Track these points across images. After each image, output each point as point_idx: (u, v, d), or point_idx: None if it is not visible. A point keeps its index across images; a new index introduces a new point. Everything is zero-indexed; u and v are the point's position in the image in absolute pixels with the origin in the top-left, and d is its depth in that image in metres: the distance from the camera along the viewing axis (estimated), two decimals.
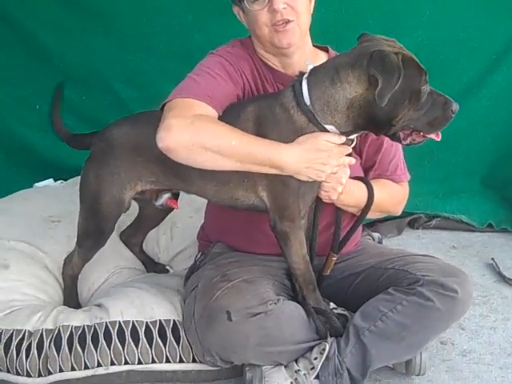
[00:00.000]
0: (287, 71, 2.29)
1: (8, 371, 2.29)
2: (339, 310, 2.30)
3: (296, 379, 2.15)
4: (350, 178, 2.22)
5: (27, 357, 2.26)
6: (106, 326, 2.29)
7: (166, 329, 2.30)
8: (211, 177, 2.13)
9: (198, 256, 2.52)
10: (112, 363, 2.26)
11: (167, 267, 2.84)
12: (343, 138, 2.04)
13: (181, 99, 2.06)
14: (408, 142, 2.05)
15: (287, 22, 2.15)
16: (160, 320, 2.31)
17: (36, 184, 3.55)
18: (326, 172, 2.06)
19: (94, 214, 2.34)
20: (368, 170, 2.41)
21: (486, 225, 3.54)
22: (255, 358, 2.15)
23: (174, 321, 2.31)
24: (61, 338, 2.27)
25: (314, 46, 2.35)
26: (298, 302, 2.23)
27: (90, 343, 2.27)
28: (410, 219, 3.58)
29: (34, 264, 2.65)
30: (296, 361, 2.19)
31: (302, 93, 2.02)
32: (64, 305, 2.54)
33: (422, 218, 3.58)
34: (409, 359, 2.27)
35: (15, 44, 3.49)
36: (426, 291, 2.11)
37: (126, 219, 2.69)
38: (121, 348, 2.27)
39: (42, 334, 2.28)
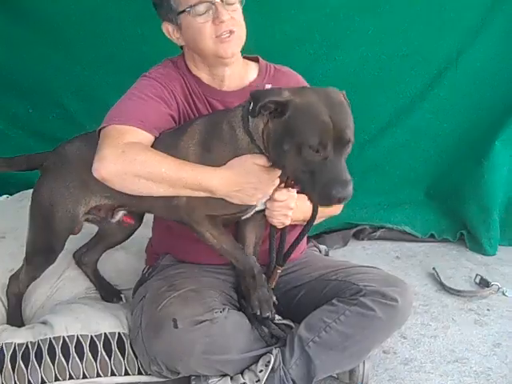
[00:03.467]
0: (221, 86, 2.32)
1: None
2: (285, 321, 2.33)
3: None
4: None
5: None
6: (50, 342, 2.27)
7: (111, 341, 2.29)
8: None
9: (146, 269, 2.53)
10: (56, 379, 2.24)
11: (121, 295, 2.70)
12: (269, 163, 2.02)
13: (114, 126, 2.11)
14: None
15: (230, 32, 2.20)
16: (105, 333, 2.31)
17: None
18: (256, 196, 2.07)
19: (46, 229, 2.32)
20: None
21: (428, 235, 3.62)
22: (201, 366, 2.16)
23: (119, 333, 2.31)
24: (3, 355, 2.24)
25: (244, 57, 2.37)
26: (243, 312, 2.26)
27: (34, 360, 2.24)
28: (355, 230, 3.64)
29: None
30: (242, 373, 2.21)
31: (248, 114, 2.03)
32: (7, 323, 2.50)
33: (367, 229, 3.64)
34: (352, 369, 2.32)
35: None
36: (367, 301, 2.16)
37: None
38: (65, 363, 2.25)
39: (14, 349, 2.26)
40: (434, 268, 3.24)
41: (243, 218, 2.21)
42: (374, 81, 3.56)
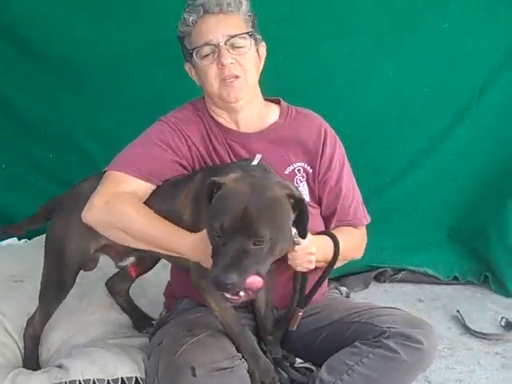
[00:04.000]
0: (239, 127, 2.34)
1: None
2: (306, 365, 2.29)
3: None
4: (313, 233, 2.23)
5: None
6: None
7: None
8: None
9: (164, 312, 2.50)
10: None
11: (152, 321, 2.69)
12: None
13: (112, 172, 2.22)
14: None
15: (235, 77, 2.21)
16: (122, 378, 2.26)
17: (0, 243, 3.51)
18: None
19: (58, 262, 2.35)
20: (330, 217, 2.40)
21: (451, 277, 3.56)
22: None
23: (136, 378, 2.27)
24: None
25: (265, 99, 2.39)
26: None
27: None
28: (377, 273, 3.59)
29: None
30: None
31: None
32: (23, 367, 2.47)
33: (388, 271, 3.60)
34: None
35: None
36: (391, 343, 2.10)
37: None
38: None
39: None
40: (458, 311, 3.18)
41: None
42: (395, 122, 3.58)
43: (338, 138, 2.42)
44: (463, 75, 3.51)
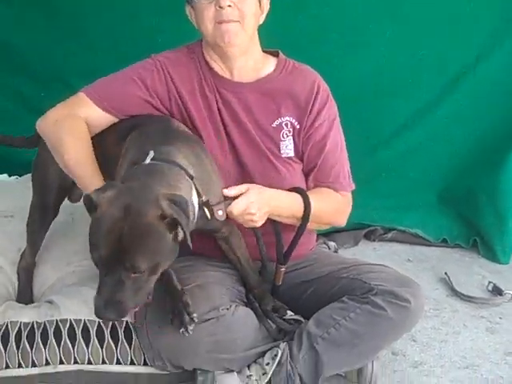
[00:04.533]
0: (233, 76, 2.29)
1: None
2: (296, 317, 2.30)
3: None
4: (288, 189, 2.25)
5: None
6: (57, 324, 2.24)
7: (118, 329, 2.24)
8: None
9: None
10: (61, 362, 2.20)
11: None
12: None
13: (81, 94, 2.24)
14: None
15: (232, 21, 2.15)
16: None
17: None
18: None
19: (41, 186, 2.43)
20: (309, 174, 2.37)
21: (440, 240, 3.57)
22: (206, 364, 2.13)
23: (126, 322, 2.25)
24: (8, 333, 2.21)
25: (264, 51, 2.35)
26: (251, 308, 2.23)
27: (39, 340, 2.21)
28: (367, 231, 3.60)
29: None
30: (248, 366, 2.17)
31: None
32: (16, 300, 2.49)
33: (379, 230, 3.60)
34: (360, 368, 2.27)
35: None
36: (379, 300, 2.12)
37: None
38: (71, 347, 2.20)
39: None
40: (445, 273, 3.19)
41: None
42: (391, 83, 3.52)
43: (331, 96, 2.38)
44: (462, 39, 3.44)
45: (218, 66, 2.29)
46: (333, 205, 2.38)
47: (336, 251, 2.86)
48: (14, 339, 2.21)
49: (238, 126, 2.29)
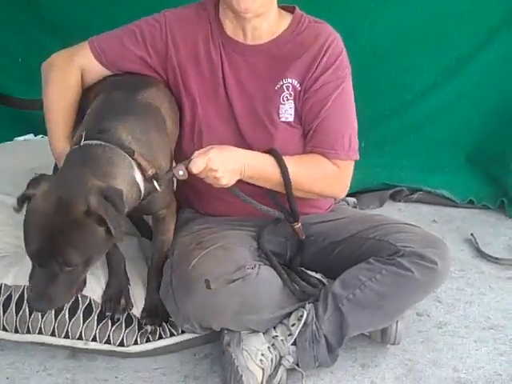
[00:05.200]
0: (246, 38, 2.24)
1: None
2: (317, 276, 2.33)
3: (273, 344, 2.16)
4: (263, 150, 2.19)
5: (4, 312, 2.25)
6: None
7: None
8: None
9: None
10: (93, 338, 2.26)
11: None
12: None
13: (87, 42, 2.29)
14: None
15: None
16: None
17: (16, 138, 3.52)
18: None
19: None
20: (305, 139, 2.28)
21: (467, 201, 3.53)
22: (233, 325, 2.15)
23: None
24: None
25: (279, 6, 2.27)
26: (273, 268, 2.22)
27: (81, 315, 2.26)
28: (393, 192, 3.56)
29: (16, 215, 2.62)
30: (274, 327, 2.20)
31: None
32: None
33: (404, 191, 3.56)
34: (385, 328, 2.29)
35: None
36: (405, 262, 2.11)
37: None
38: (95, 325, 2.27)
39: (23, 291, 2.26)
40: (471, 234, 3.17)
41: None
42: (421, 39, 3.46)
43: (344, 58, 2.26)
44: None
45: (230, 26, 2.24)
46: (316, 172, 2.26)
47: (355, 206, 2.84)
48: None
49: (241, 91, 2.25)
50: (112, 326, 2.24)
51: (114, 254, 2.27)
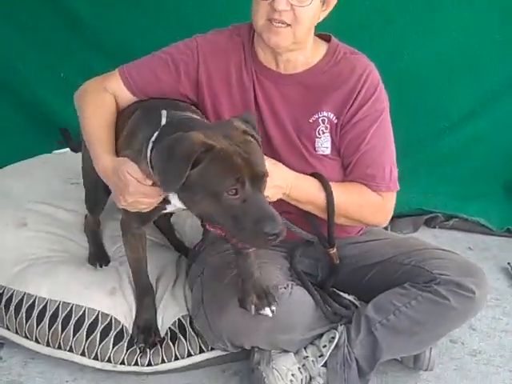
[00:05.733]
0: (278, 68, 2.22)
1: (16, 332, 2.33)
2: (350, 298, 2.31)
3: (304, 365, 2.15)
4: (308, 173, 2.17)
5: (37, 325, 2.28)
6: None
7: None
8: None
9: (199, 241, 2.52)
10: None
11: None
12: (148, 182, 1.86)
13: (117, 70, 2.28)
14: (217, 232, 1.81)
15: (283, 23, 2.04)
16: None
17: (55, 151, 3.57)
18: (122, 202, 1.93)
19: (89, 188, 2.53)
20: (345, 172, 2.26)
21: (504, 229, 3.48)
22: (265, 344, 2.14)
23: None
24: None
25: (315, 34, 2.23)
26: (305, 288, 2.21)
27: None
28: (428, 217, 3.52)
29: (52, 223, 2.71)
30: (305, 347, 2.18)
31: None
32: (88, 258, 2.58)
33: (440, 217, 3.52)
34: (417, 354, 2.26)
35: (46, 10, 3.49)
36: (442, 290, 2.08)
37: None
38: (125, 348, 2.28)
39: (58, 307, 2.29)
40: (508, 263, 3.12)
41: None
42: (461, 67, 3.44)
43: (381, 89, 2.23)
44: None
45: (263, 55, 2.22)
46: (361, 200, 2.22)
47: (386, 228, 2.81)
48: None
49: (275, 118, 2.22)
50: (140, 352, 2.25)
51: (145, 287, 2.29)
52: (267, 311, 2.01)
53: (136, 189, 1.87)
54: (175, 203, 1.89)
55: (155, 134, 1.85)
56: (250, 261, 2.06)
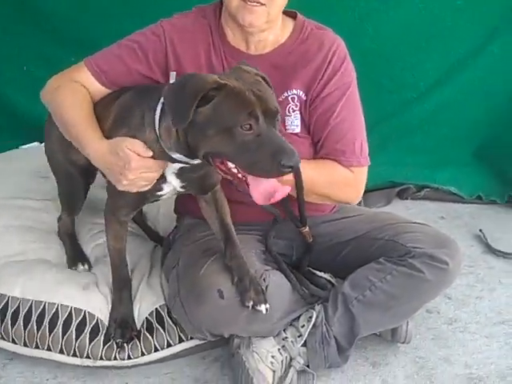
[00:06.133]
0: (248, 48, 2.21)
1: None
2: (326, 276, 2.31)
3: (283, 346, 2.15)
4: None
5: (12, 325, 2.26)
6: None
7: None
8: None
9: (173, 229, 2.50)
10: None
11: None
12: (149, 153, 1.89)
13: (82, 63, 2.23)
14: (223, 171, 1.82)
15: (259, 3, 2.04)
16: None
17: (22, 146, 3.54)
18: (122, 182, 1.92)
19: (59, 174, 2.46)
20: (315, 148, 2.26)
21: (475, 196, 3.52)
22: (245, 332, 2.14)
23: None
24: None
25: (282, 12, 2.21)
26: (281, 271, 2.21)
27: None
28: (399, 189, 3.55)
29: (21, 215, 2.70)
30: (284, 329, 2.19)
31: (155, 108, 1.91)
32: (68, 262, 2.53)
33: (411, 188, 3.55)
34: (395, 327, 2.29)
35: (4, 3, 3.46)
36: (416, 263, 2.10)
37: None
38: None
39: (30, 306, 2.26)
40: (480, 230, 3.16)
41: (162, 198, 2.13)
42: (425, 37, 3.45)
43: (348, 62, 2.23)
44: None
45: (232, 36, 2.21)
46: (331, 176, 2.23)
47: (359, 204, 2.81)
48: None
49: None
50: (117, 348, 2.24)
51: (124, 279, 2.26)
52: (262, 308, 2.02)
53: (137, 163, 1.87)
54: (172, 181, 1.97)
55: (161, 99, 1.87)
56: (240, 256, 2.08)
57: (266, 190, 1.77)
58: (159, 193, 2.05)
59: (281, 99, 2.19)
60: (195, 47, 2.21)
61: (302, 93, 2.20)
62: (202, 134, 1.76)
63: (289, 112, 2.21)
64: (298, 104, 2.21)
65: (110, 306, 2.27)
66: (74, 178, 2.38)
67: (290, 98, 2.20)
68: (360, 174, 2.26)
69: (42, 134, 3.44)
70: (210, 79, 1.74)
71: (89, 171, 2.36)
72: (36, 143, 3.56)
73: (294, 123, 2.22)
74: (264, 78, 1.88)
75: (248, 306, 2.00)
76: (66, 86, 2.17)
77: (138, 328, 2.26)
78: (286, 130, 2.21)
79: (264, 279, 2.08)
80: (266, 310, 2.02)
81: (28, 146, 3.55)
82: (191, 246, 2.27)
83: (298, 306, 2.20)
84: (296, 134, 2.22)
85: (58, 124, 2.17)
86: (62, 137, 2.19)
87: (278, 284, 2.13)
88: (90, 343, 2.22)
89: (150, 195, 2.05)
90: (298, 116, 2.22)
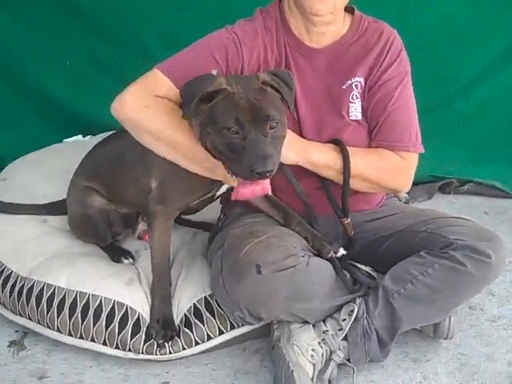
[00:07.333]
0: (311, 41, 2.25)
1: (38, 322, 2.36)
2: (367, 269, 2.31)
3: (324, 339, 2.15)
4: (326, 141, 2.23)
5: (58, 315, 2.31)
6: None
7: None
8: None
9: (221, 217, 2.52)
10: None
11: None
12: None
13: (156, 71, 2.14)
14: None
15: None
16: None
17: (65, 140, 3.59)
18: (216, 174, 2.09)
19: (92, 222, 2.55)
20: (371, 135, 2.30)
21: None
22: (283, 313, 2.14)
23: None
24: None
25: None
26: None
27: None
28: (442, 184, 3.50)
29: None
30: (324, 321, 2.19)
31: None
32: (111, 257, 2.58)
33: (454, 182, 3.50)
34: (437, 322, 2.26)
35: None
36: (458, 255, 2.08)
37: None
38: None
39: (75, 297, 2.31)
40: None
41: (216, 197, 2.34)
42: (468, 30, 3.41)
43: (404, 54, 2.29)
44: None
45: (297, 29, 2.25)
46: (382, 163, 2.27)
47: (407, 202, 2.80)
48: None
49: (304, 92, 2.25)
50: (158, 347, 2.26)
51: (166, 278, 2.30)
52: (342, 251, 2.24)
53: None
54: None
55: None
56: (304, 222, 2.29)
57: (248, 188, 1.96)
58: (218, 191, 2.27)
59: (345, 87, 2.25)
60: (265, 47, 2.23)
61: (363, 80, 2.26)
62: (204, 129, 1.96)
63: (352, 99, 2.27)
64: (360, 91, 2.26)
65: (150, 303, 2.30)
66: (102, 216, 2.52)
67: (353, 85, 2.26)
68: (412, 161, 2.31)
69: (85, 127, 3.56)
70: (216, 82, 1.92)
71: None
72: (79, 136, 3.63)
73: (357, 110, 2.28)
74: (274, 87, 1.98)
75: (333, 256, 2.20)
76: (156, 105, 2.10)
77: (177, 324, 2.28)
78: (349, 116, 2.27)
79: (303, 256, 2.10)
80: (344, 253, 2.23)
81: (72, 139, 3.62)
82: (238, 228, 2.29)
83: (340, 294, 2.19)
84: (358, 121, 2.27)
85: (153, 140, 2.12)
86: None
87: (318, 265, 2.15)
88: (131, 338, 2.25)
89: (208, 192, 2.25)
90: (360, 103, 2.27)
